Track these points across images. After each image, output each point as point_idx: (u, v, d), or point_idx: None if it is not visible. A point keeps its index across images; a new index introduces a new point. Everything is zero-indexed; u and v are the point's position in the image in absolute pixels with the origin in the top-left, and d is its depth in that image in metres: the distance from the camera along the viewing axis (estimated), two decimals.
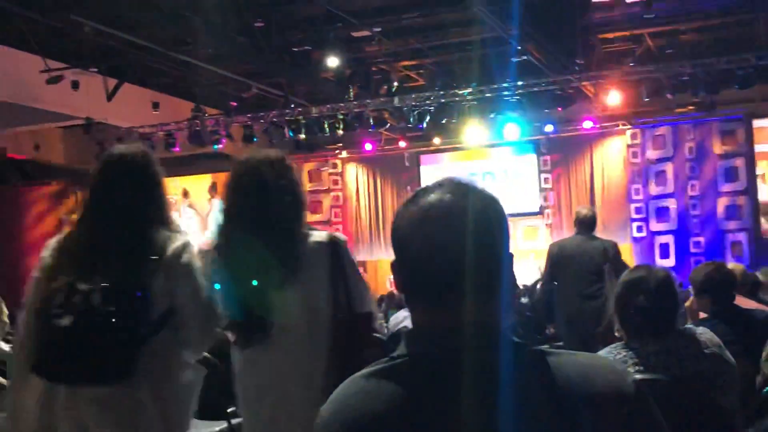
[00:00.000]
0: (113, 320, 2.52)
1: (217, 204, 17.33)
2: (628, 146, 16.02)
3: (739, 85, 12.53)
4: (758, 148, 15.11)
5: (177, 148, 15.50)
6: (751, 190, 15.17)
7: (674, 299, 3.05)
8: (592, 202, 16.17)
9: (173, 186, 18.87)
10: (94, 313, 2.52)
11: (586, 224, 7.58)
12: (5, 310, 4.77)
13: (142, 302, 2.57)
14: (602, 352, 3.05)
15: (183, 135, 15.26)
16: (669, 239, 15.62)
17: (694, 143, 15.51)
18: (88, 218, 2.81)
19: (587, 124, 15.63)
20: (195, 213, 18.80)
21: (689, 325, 3.30)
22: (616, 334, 3.09)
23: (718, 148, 15.39)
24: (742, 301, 4.82)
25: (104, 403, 2.60)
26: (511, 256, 1.41)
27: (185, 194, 18.61)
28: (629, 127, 15.90)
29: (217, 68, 13.63)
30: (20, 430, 2.66)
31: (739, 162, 15.26)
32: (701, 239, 15.38)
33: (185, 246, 2.74)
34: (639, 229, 15.78)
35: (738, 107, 14.83)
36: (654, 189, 15.81)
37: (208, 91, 15.47)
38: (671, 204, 15.68)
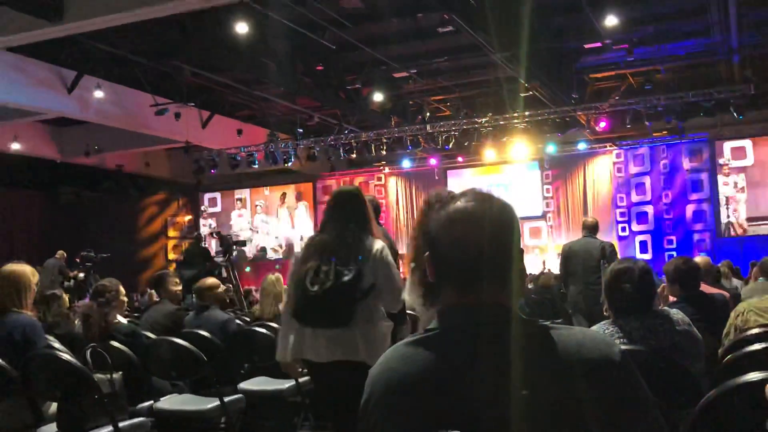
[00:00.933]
0: (340, 289, 3.28)
1: (303, 206, 17.74)
2: (614, 163, 15.87)
3: (703, 114, 12.38)
4: (736, 163, 14.84)
5: (256, 165, 15.66)
6: (713, 198, 14.94)
7: (652, 286, 2.99)
8: (585, 208, 16.07)
9: (257, 194, 19.06)
10: (329, 284, 3.28)
11: (589, 228, 7.75)
12: (123, 290, 4.85)
13: (357, 280, 3.30)
14: (593, 328, 3.01)
15: (261, 155, 15.39)
16: (647, 238, 15.44)
17: (668, 161, 15.33)
18: (325, 227, 3.56)
19: (581, 146, 15.52)
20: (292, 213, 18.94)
21: (664, 307, 3.24)
22: (605, 313, 3.04)
23: (686, 164, 15.20)
24: (707, 288, 4.74)
25: (334, 339, 3.33)
26: (522, 250, 1.40)
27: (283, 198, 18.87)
28: (615, 147, 15.75)
29: (287, 102, 13.75)
30: (283, 353, 3.47)
31: (704, 176, 15.07)
32: (673, 238, 15.20)
33: (383, 247, 3.48)
34: (623, 229, 15.63)
35: (703, 132, 14.63)
36: (635, 197, 15.66)
37: (280, 120, 15.60)
38: (649, 209, 15.51)
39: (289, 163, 15.32)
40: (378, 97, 13.25)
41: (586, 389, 1.24)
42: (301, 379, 4.71)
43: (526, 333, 1.30)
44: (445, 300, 1.38)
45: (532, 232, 16.36)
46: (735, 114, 12.20)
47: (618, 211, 15.72)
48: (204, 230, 18.13)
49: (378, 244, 3.49)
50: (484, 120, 13.72)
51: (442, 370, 1.29)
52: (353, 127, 15.15)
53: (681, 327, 2.90)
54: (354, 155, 15.05)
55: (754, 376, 1.98)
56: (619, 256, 8.34)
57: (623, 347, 2.57)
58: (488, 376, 1.25)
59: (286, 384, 4.85)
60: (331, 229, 3.53)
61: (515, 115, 13.41)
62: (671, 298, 4.07)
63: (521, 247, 1.40)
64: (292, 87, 11.97)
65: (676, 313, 2.98)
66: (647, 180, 15.52)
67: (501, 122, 13.65)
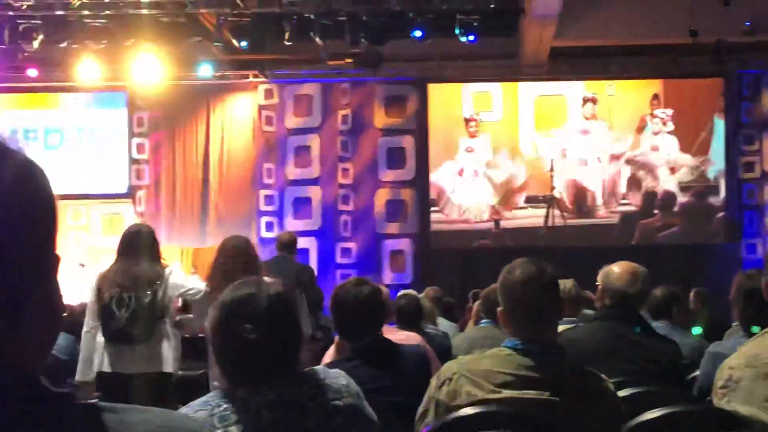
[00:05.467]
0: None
1: None
2: (261, 108, 16.27)
3: (417, 34, 13.15)
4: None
5: None
6: (419, 181, 16.02)
7: (293, 323, 3.02)
8: (206, 183, 16.10)
9: None
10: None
11: (286, 245, 9.44)
12: None
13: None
14: (195, 404, 3.01)
15: None
16: (310, 243, 15.84)
17: (350, 111, 16.07)
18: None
19: (204, 71, 15.63)
20: None
21: (319, 367, 3.33)
22: (214, 383, 3.04)
23: (380, 119, 16.11)
24: (395, 333, 5.08)
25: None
26: (58, 259, 1.37)
27: None
28: (263, 80, 16.12)
29: None
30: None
31: (407, 142, 16.08)
32: (353, 245, 15.95)
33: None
34: (269, 226, 16.10)
35: (409, 66, 15.61)
36: (293, 171, 16.20)
37: None
38: (315, 194, 16.13)
39: None
40: None
41: None
42: None
43: (52, 418, 1.29)
44: None
45: (107, 225, 16.07)
46: (464, 38, 13.13)
47: (263, 193, 16.06)
48: None
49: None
50: (26, 5, 13.35)
51: None
52: None
53: (344, 401, 3.07)
54: None
55: None
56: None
57: None
58: None
59: None
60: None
61: (84, 3, 13.17)
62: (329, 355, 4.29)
63: (55, 252, 1.37)
64: None
65: (339, 377, 3.13)
66: (315, 142, 16.14)
67: (58, 12, 13.36)
